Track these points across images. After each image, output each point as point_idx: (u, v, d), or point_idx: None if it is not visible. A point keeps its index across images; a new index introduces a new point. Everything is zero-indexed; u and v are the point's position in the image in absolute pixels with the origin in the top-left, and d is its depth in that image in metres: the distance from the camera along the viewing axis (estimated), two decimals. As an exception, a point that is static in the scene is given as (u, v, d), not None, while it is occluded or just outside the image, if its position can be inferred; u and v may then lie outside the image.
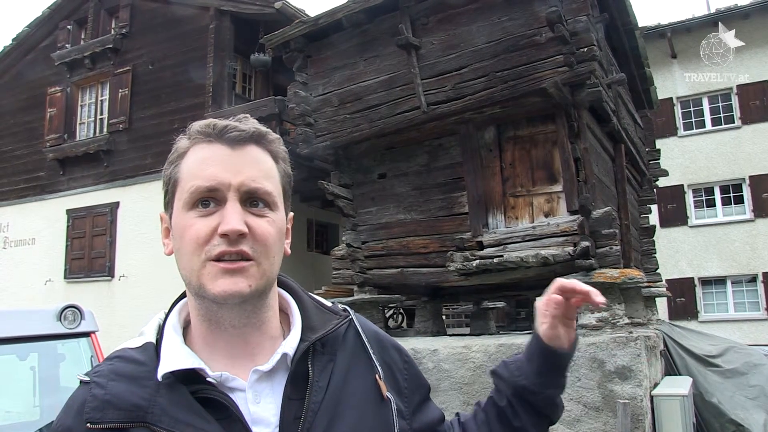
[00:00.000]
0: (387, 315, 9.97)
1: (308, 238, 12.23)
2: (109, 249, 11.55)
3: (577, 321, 1.17)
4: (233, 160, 0.89)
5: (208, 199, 0.87)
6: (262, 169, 0.91)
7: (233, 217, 0.85)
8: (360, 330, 1.02)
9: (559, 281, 1.05)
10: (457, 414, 1.15)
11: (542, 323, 1.07)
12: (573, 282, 1.04)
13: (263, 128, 0.94)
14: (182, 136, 0.94)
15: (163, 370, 0.85)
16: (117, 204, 11.63)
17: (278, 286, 1.00)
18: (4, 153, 13.65)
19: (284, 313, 1.00)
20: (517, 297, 8.81)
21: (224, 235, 0.84)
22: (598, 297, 1.01)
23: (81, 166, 12.33)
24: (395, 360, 1.05)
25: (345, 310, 1.04)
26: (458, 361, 5.50)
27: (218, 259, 0.85)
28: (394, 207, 6.84)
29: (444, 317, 9.38)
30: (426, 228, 6.60)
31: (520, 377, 1.07)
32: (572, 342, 1.08)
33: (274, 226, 0.90)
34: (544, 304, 1.06)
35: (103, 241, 11.64)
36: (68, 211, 12.28)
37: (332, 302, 1.08)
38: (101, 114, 12.57)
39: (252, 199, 0.88)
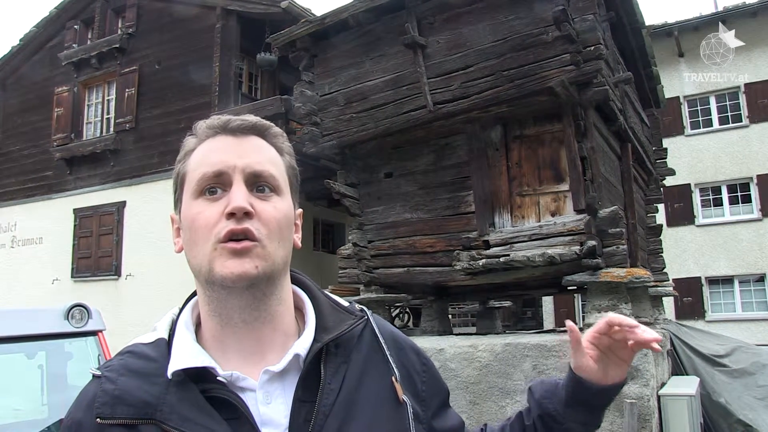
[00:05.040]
0: (393, 314, 9.97)
1: (314, 237, 12.23)
2: (115, 248, 11.60)
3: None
4: (238, 147, 0.91)
5: (215, 186, 0.88)
6: (267, 155, 0.93)
7: (238, 195, 0.86)
8: (377, 331, 1.00)
9: (612, 316, 0.95)
10: (485, 425, 1.11)
11: (573, 351, 0.99)
12: (622, 318, 0.94)
13: (267, 122, 0.96)
14: (189, 135, 0.96)
15: (173, 367, 0.85)
16: (123, 203, 11.68)
17: (293, 283, 0.99)
18: (12, 152, 13.73)
19: (299, 311, 0.99)
20: (523, 296, 8.79)
21: (231, 215, 0.85)
22: (651, 340, 0.91)
23: (88, 166, 12.40)
24: (413, 362, 1.02)
25: (362, 310, 1.02)
26: (464, 361, 5.49)
27: (226, 240, 0.85)
28: (401, 206, 6.83)
29: (450, 316, 9.38)
30: (432, 227, 6.59)
31: (547, 401, 1.01)
32: (616, 381, 0.99)
33: (280, 211, 0.90)
34: (589, 337, 0.98)
35: (110, 241, 11.70)
36: (75, 211, 12.34)
37: (350, 302, 1.05)
38: (108, 113, 12.63)
39: (258, 183, 0.89)
